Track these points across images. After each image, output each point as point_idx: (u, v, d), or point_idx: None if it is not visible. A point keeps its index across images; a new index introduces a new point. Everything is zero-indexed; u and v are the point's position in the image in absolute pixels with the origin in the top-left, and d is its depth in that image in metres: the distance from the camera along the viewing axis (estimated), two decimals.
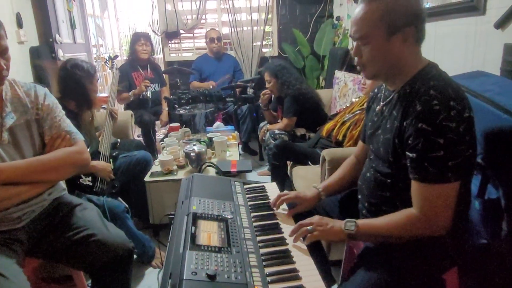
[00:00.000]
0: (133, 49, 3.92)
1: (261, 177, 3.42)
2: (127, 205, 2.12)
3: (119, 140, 2.68)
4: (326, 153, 1.94)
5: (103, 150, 2.25)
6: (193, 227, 1.13)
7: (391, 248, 1.12)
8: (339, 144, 2.41)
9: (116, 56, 3.05)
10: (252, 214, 1.36)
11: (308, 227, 1.15)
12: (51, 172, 1.41)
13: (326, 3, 4.58)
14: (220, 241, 1.10)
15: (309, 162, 2.50)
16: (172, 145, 2.74)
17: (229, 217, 1.25)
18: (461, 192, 1.06)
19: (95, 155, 2.19)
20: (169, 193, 2.31)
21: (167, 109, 3.86)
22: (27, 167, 1.35)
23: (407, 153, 1.06)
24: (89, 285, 1.56)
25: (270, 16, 4.65)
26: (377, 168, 1.22)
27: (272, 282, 0.98)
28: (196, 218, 1.19)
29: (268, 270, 1.03)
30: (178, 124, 3.33)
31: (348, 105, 2.72)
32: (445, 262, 1.15)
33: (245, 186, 1.59)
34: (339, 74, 3.48)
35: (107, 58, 2.97)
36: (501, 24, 1.72)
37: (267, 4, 4.53)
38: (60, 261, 1.50)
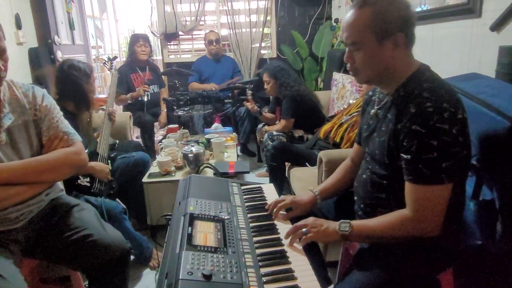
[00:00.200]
0: (132, 51, 3.93)
1: (259, 178, 3.43)
2: (124, 206, 2.13)
3: (117, 141, 2.68)
4: (323, 155, 1.95)
5: (101, 151, 2.25)
6: (190, 228, 1.13)
7: (386, 248, 1.13)
8: (337, 145, 2.42)
9: (115, 57, 3.06)
10: (249, 215, 1.36)
11: (303, 229, 1.16)
12: (49, 173, 1.42)
13: (324, 5, 4.60)
14: (216, 241, 1.10)
15: (306, 164, 2.51)
16: (170, 146, 2.75)
17: (225, 217, 1.25)
18: (456, 193, 1.07)
19: (93, 156, 2.20)
20: (167, 194, 2.32)
21: (165, 110, 3.87)
22: (24, 167, 1.36)
23: (401, 155, 1.07)
24: (86, 285, 1.56)
25: (268, 18, 4.66)
26: (373, 170, 1.23)
27: (268, 282, 0.99)
28: (193, 218, 1.19)
29: (263, 270, 1.04)
30: (177, 126, 3.34)
31: (345, 107, 2.73)
32: (440, 262, 1.16)
33: (242, 187, 1.60)
34: (337, 76, 3.49)
35: (106, 60, 2.97)
36: (496, 26, 1.73)
37: (266, 6, 4.54)
38: (57, 262, 1.50)
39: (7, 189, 1.31)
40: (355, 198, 1.33)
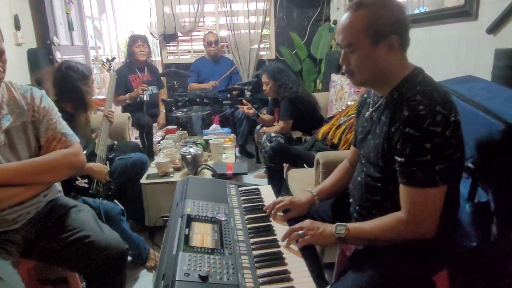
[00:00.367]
0: (130, 51, 3.94)
1: (257, 179, 3.43)
2: (122, 207, 2.13)
3: (115, 142, 2.69)
4: (320, 156, 1.96)
5: (99, 152, 2.26)
6: (187, 229, 1.14)
7: (381, 250, 1.14)
8: (335, 147, 2.43)
9: (113, 59, 3.07)
10: (246, 217, 1.37)
11: (300, 232, 1.17)
12: (46, 174, 1.42)
13: (323, 7, 4.61)
14: (213, 242, 1.11)
15: (304, 165, 2.52)
16: (169, 148, 2.75)
17: (223, 219, 1.26)
18: (450, 194, 1.08)
19: (92, 157, 2.20)
20: (165, 195, 2.32)
21: (164, 111, 3.88)
22: (22, 169, 1.36)
23: (396, 157, 1.08)
24: (84, 286, 1.56)
25: (267, 19, 4.68)
26: (368, 173, 1.24)
27: (264, 283, 1.00)
28: (190, 220, 1.20)
29: (260, 271, 1.04)
30: (175, 127, 3.34)
31: (343, 108, 2.74)
32: (435, 263, 1.17)
33: (240, 189, 1.60)
34: (336, 78, 3.49)
35: (105, 61, 2.98)
36: (492, 29, 1.74)
37: (265, 8, 4.55)
38: (55, 263, 1.51)
39: (5, 190, 1.32)
40: (351, 200, 1.34)
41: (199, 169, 2.32)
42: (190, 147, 2.47)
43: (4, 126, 1.36)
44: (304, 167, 2.52)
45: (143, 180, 2.38)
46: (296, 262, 1.10)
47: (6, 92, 1.41)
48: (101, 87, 5.40)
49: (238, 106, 3.37)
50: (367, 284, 1.08)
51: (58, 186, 1.63)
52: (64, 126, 1.53)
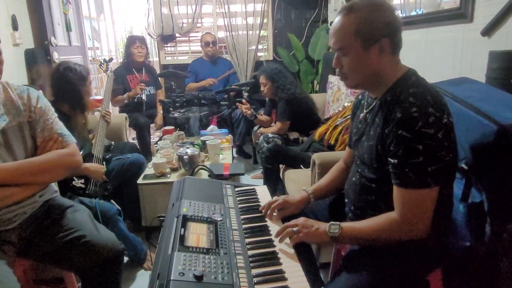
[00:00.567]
0: (128, 52, 3.94)
1: (255, 180, 3.44)
2: (119, 208, 2.13)
3: (112, 142, 2.69)
4: (316, 157, 1.97)
5: (96, 153, 2.26)
6: (182, 229, 1.15)
7: (376, 250, 1.14)
8: (331, 148, 2.44)
9: (111, 59, 3.07)
10: (242, 217, 1.38)
11: (294, 229, 1.18)
12: (42, 174, 1.43)
13: (321, 8, 4.63)
14: (208, 242, 1.12)
15: (301, 166, 2.53)
16: (166, 148, 2.76)
17: (218, 219, 1.27)
18: (444, 195, 1.09)
19: (88, 157, 2.21)
20: (161, 195, 2.32)
21: (162, 112, 3.88)
22: (18, 169, 1.36)
23: (389, 159, 1.09)
24: (80, 287, 1.57)
25: (265, 20, 4.69)
26: (362, 173, 1.25)
27: (258, 283, 1.00)
28: (185, 220, 1.21)
29: (255, 271, 1.05)
30: (173, 127, 3.35)
31: (340, 109, 2.75)
32: (429, 263, 1.18)
33: (236, 189, 1.61)
34: (333, 79, 3.51)
35: (102, 61, 2.98)
36: (487, 31, 1.76)
37: (263, 9, 4.56)
38: (50, 263, 1.51)
39: (1, 190, 1.32)
40: (346, 200, 1.35)
41: (196, 169, 2.32)
42: (187, 147, 2.47)
43: (0, 126, 1.37)
44: (301, 168, 2.52)
45: (140, 181, 2.38)
46: (291, 261, 1.11)
47: (2, 92, 1.41)
48: (98, 87, 5.39)
49: (237, 104, 3.38)
50: (361, 284, 1.08)
51: (54, 186, 1.64)
52: (60, 127, 1.54)
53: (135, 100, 3.84)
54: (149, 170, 2.52)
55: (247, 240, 1.22)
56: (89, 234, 1.43)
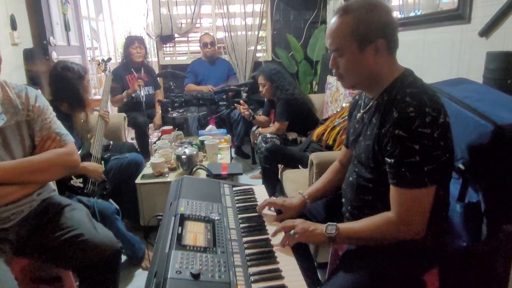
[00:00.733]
0: (127, 52, 3.95)
1: (253, 180, 3.44)
2: (117, 207, 2.13)
3: (111, 142, 2.69)
4: (314, 157, 1.97)
5: (94, 152, 2.26)
6: (180, 228, 1.15)
7: (373, 249, 1.15)
8: (329, 148, 2.44)
9: (109, 59, 3.07)
10: (239, 216, 1.38)
11: (291, 232, 1.18)
12: (40, 173, 1.43)
13: (319, 9, 4.64)
14: (206, 241, 1.12)
15: (299, 166, 2.53)
16: (164, 148, 2.76)
17: (216, 218, 1.27)
18: (440, 195, 1.09)
19: (87, 157, 2.21)
20: (160, 195, 2.33)
21: (160, 112, 3.88)
22: (16, 167, 1.37)
23: (386, 158, 1.09)
24: (78, 285, 1.57)
25: (264, 21, 4.69)
26: (360, 173, 1.25)
27: (255, 281, 1.01)
28: (183, 219, 1.21)
29: (251, 270, 1.05)
30: (171, 127, 3.35)
31: (338, 110, 2.76)
32: (425, 263, 1.18)
33: (234, 189, 1.61)
34: (331, 79, 3.52)
35: (101, 61, 2.99)
36: (485, 32, 1.76)
37: (262, 10, 4.57)
38: (48, 261, 1.51)
39: None
40: (343, 200, 1.36)
41: (194, 169, 2.32)
42: (185, 147, 2.48)
43: None
44: (299, 168, 2.53)
45: (138, 180, 2.38)
46: (288, 260, 1.11)
47: (0, 91, 1.41)
48: (97, 87, 5.39)
49: (235, 104, 3.38)
50: (358, 283, 1.09)
51: (52, 185, 1.64)
52: (58, 126, 1.54)
53: (134, 100, 3.84)
54: (147, 169, 2.52)
55: (245, 239, 1.22)
56: (87, 233, 1.43)
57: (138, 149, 3.39)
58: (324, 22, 4.64)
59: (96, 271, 1.43)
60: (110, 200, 2.22)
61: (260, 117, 3.46)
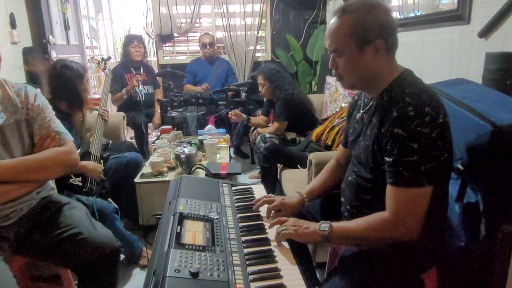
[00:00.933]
0: (126, 51, 3.95)
1: (252, 180, 3.45)
2: (116, 206, 2.13)
3: (110, 141, 2.69)
4: (313, 157, 1.98)
5: (93, 151, 2.26)
6: (179, 227, 1.15)
7: (371, 249, 1.15)
8: (328, 148, 2.44)
9: (109, 58, 3.07)
10: (238, 215, 1.38)
11: (283, 227, 1.19)
12: (39, 172, 1.43)
13: (319, 9, 4.64)
14: (204, 240, 1.12)
15: (298, 166, 2.53)
16: (163, 147, 2.76)
17: (215, 217, 1.27)
18: (439, 195, 1.09)
19: (86, 155, 2.21)
20: (158, 194, 2.32)
21: (159, 111, 3.88)
22: (15, 166, 1.37)
23: (385, 158, 1.09)
24: (77, 284, 1.57)
25: (263, 21, 4.70)
26: (359, 173, 1.26)
27: (254, 280, 1.01)
28: (182, 218, 1.21)
29: (250, 269, 1.06)
30: (170, 127, 3.35)
31: (338, 110, 2.76)
32: (424, 263, 1.18)
33: (233, 188, 1.62)
34: (331, 80, 3.52)
35: (100, 60, 2.98)
36: (484, 33, 1.77)
37: (261, 10, 4.57)
38: (47, 259, 1.51)
39: None
40: (342, 199, 1.36)
41: (193, 168, 2.32)
42: (184, 146, 2.48)
43: None
44: (297, 168, 2.53)
45: (137, 179, 2.38)
46: (287, 260, 1.12)
47: (0, 89, 1.41)
48: (96, 86, 5.39)
49: (229, 116, 3.40)
50: (356, 282, 1.09)
51: (51, 183, 1.64)
52: (58, 125, 1.54)
53: (133, 99, 3.84)
54: (146, 168, 2.52)
55: (243, 238, 1.22)
56: (86, 231, 1.43)
57: (137, 148, 3.39)
58: (323, 22, 4.64)
59: (95, 270, 1.43)
60: (109, 199, 2.22)
61: (256, 118, 3.47)
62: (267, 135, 2.97)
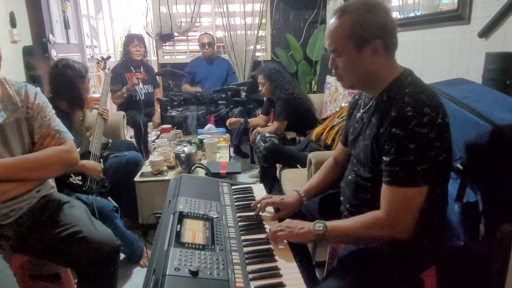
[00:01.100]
0: (126, 50, 3.95)
1: (252, 179, 3.45)
2: (116, 205, 2.14)
3: (110, 140, 2.69)
4: (313, 156, 1.98)
5: (93, 150, 2.26)
6: (179, 226, 1.15)
7: (370, 249, 1.15)
8: (328, 148, 2.45)
9: (108, 57, 3.07)
10: (238, 214, 1.39)
11: (279, 228, 1.19)
12: (39, 171, 1.43)
13: (319, 9, 4.64)
14: (204, 239, 1.12)
15: (298, 165, 2.53)
16: (163, 146, 2.76)
17: (214, 216, 1.27)
18: (438, 194, 1.10)
19: (86, 154, 2.21)
20: (158, 193, 2.33)
21: (159, 110, 3.88)
22: (15, 165, 1.37)
23: (382, 157, 1.10)
24: (76, 282, 1.57)
25: (263, 20, 4.70)
26: (358, 172, 1.26)
27: (253, 279, 1.01)
28: (182, 216, 1.21)
29: (250, 267, 1.06)
30: (170, 126, 3.35)
31: (337, 109, 2.76)
32: (423, 262, 1.19)
33: (233, 187, 1.62)
34: (331, 79, 3.52)
35: (100, 59, 2.98)
36: (484, 33, 1.77)
37: (261, 9, 4.57)
38: (47, 258, 1.51)
39: None
40: (342, 198, 1.36)
41: (193, 167, 2.32)
42: (184, 146, 2.48)
43: None
44: (297, 167, 2.53)
45: (137, 178, 2.38)
46: (286, 259, 1.12)
47: (0, 88, 1.41)
48: (96, 85, 5.39)
49: (227, 124, 3.42)
50: (356, 281, 1.09)
51: (51, 182, 1.64)
52: (58, 123, 1.54)
53: (133, 99, 3.84)
54: (146, 168, 2.52)
55: (243, 237, 1.23)
56: (86, 230, 1.43)
57: (137, 147, 3.39)
58: (323, 22, 4.64)
59: (95, 268, 1.43)
60: (109, 198, 2.23)
61: (254, 118, 3.48)
62: (267, 135, 2.97)
